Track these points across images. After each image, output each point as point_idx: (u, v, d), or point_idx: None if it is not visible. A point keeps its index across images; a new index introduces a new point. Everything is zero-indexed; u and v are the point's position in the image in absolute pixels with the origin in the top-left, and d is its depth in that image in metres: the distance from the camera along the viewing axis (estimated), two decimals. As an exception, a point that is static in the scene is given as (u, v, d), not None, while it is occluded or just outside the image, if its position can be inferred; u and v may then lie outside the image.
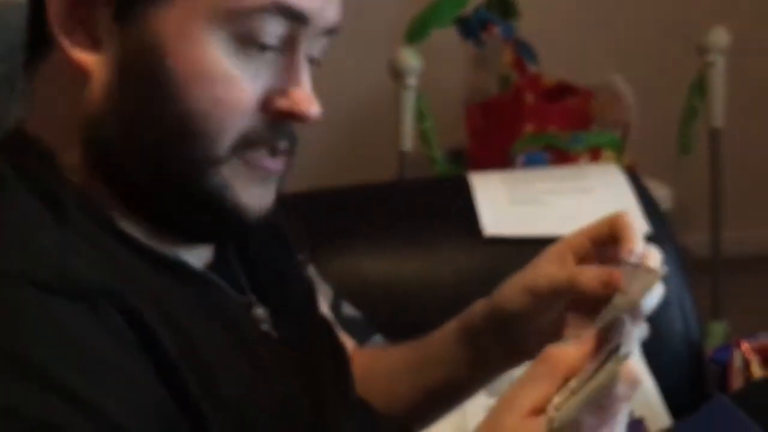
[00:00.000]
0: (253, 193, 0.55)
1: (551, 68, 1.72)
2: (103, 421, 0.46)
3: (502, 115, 1.69)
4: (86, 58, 0.53)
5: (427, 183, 1.34)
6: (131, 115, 0.53)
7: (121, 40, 0.53)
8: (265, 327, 0.59)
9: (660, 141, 1.66)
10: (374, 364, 0.72)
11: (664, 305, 1.25)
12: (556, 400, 0.46)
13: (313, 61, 0.57)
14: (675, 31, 1.74)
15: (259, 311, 0.59)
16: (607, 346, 0.48)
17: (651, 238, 1.11)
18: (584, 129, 1.66)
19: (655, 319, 1.22)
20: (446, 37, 1.67)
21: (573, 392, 0.46)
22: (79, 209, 0.53)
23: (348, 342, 0.74)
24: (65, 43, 0.53)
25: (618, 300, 0.53)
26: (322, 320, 0.68)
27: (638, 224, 0.57)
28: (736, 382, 1.08)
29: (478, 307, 0.65)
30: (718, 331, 1.57)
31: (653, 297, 0.54)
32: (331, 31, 0.56)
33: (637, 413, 1.03)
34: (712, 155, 1.63)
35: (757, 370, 1.08)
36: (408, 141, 1.57)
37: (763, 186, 1.85)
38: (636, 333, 0.52)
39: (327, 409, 0.59)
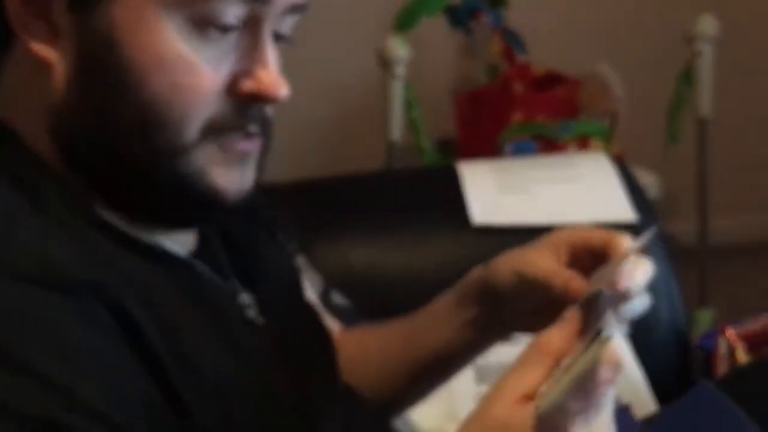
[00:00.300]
0: (230, 176, 0.55)
1: (540, 57, 1.72)
2: (87, 411, 0.46)
3: (491, 105, 1.70)
4: (46, 50, 0.53)
5: (416, 172, 1.34)
6: (94, 105, 0.53)
7: (78, 30, 0.53)
8: (251, 313, 0.59)
9: (648, 130, 1.67)
10: (365, 341, 0.72)
11: (651, 292, 1.26)
12: (544, 387, 0.47)
13: (282, 39, 0.56)
14: (663, 21, 1.75)
15: (245, 297, 0.59)
16: (593, 326, 0.48)
17: (637, 226, 1.12)
18: (572, 118, 1.67)
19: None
20: (435, 26, 1.67)
21: (558, 379, 0.47)
22: (58, 198, 0.52)
23: (334, 326, 0.74)
24: (24, 36, 0.53)
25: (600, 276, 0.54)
26: (309, 307, 0.68)
27: (627, 246, 0.58)
28: (722, 368, 1.09)
29: (475, 274, 0.66)
30: (705, 318, 1.59)
31: (637, 304, 0.54)
32: (296, 8, 0.55)
33: (624, 399, 1.04)
34: (700, 144, 1.64)
35: (742, 356, 1.09)
36: (396, 131, 1.57)
37: (750, 175, 1.86)
38: (625, 312, 0.52)
39: (312, 394, 0.59)
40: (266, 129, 0.56)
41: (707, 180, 1.65)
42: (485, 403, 0.49)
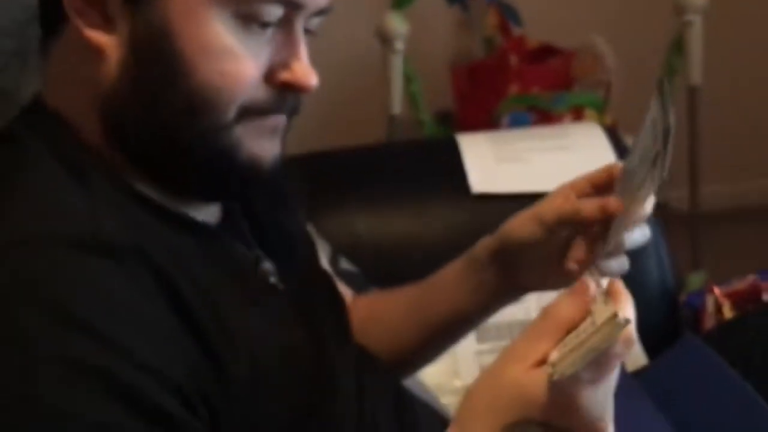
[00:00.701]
0: (264, 146, 0.60)
1: (534, 30, 1.76)
2: (138, 364, 0.51)
3: (488, 77, 1.73)
4: (100, 37, 0.57)
5: (416, 144, 1.38)
6: (146, 91, 0.57)
7: (133, 20, 0.57)
8: (273, 279, 0.64)
9: (640, 99, 1.69)
10: (377, 306, 0.77)
11: (642, 254, 1.32)
12: (555, 354, 0.50)
13: (308, 32, 0.61)
14: (654, -8, 1.78)
15: (267, 265, 0.64)
16: (599, 290, 0.52)
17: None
18: (567, 89, 1.70)
19: (632, 268, 1.29)
20: (432, 1, 1.70)
21: (572, 349, 0.49)
22: (101, 175, 0.57)
23: (346, 292, 0.79)
24: (79, 22, 0.57)
25: (617, 223, 0.58)
26: (324, 273, 0.73)
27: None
28: (709, 324, 1.15)
29: (484, 242, 0.70)
30: (697, 280, 1.63)
31: (638, 234, 0.59)
32: (323, 11, 0.61)
33: (617, 355, 1.09)
34: (691, 112, 1.68)
35: (728, 313, 1.14)
36: (397, 104, 1.61)
37: (740, 142, 1.90)
38: (614, 265, 0.57)
39: (328, 351, 0.64)
40: (295, 112, 0.62)
41: (698, 147, 1.69)
42: (499, 365, 0.52)
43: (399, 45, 1.57)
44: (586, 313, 0.51)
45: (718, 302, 1.15)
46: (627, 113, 1.74)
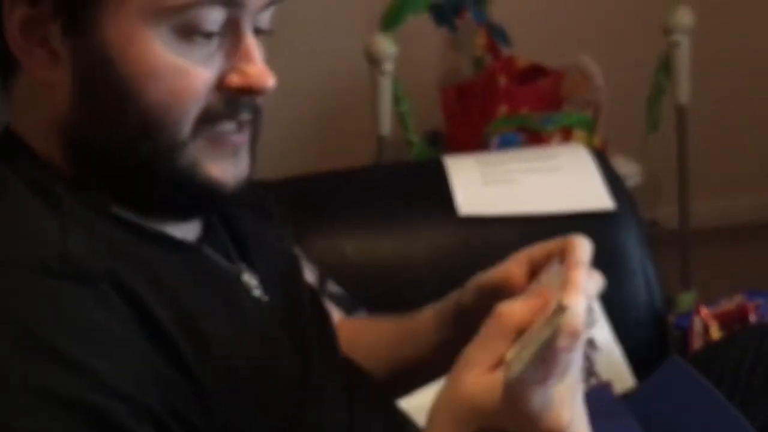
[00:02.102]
0: (224, 167, 0.59)
1: (523, 51, 1.77)
2: (109, 390, 0.51)
3: (477, 98, 1.74)
4: (48, 73, 0.57)
5: (404, 166, 1.39)
6: (99, 118, 0.58)
7: (75, 52, 0.57)
8: (257, 293, 0.64)
9: (629, 119, 1.72)
10: (356, 335, 0.77)
11: (630, 275, 1.31)
12: (508, 355, 0.49)
13: (263, 32, 0.60)
14: (641, 13, 1.79)
15: (250, 278, 0.64)
16: (553, 302, 0.50)
17: (616, 214, 1.18)
18: (556, 109, 1.71)
19: (620, 289, 1.30)
20: (421, 22, 1.72)
21: (523, 346, 0.48)
22: (71, 198, 0.57)
23: (334, 312, 0.79)
24: (27, 63, 0.57)
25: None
26: (309, 288, 0.73)
27: (587, 249, 0.58)
28: (697, 344, 1.15)
29: (451, 298, 0.70)
30: (687, 300, 1.64)
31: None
32: (271, 3, 0.59)
33: (605, 376, 1.09)
34: (679, 131, 1.69)
35: (716, 333, 1.15)
36: (386, 125, 1.61)
37: (728, 160, 1.91)
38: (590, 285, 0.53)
39: (314, 367, 0.64)
40: (256, 117, 0.60)
41: (687, 166, 1.70)
42: (455, 373, 0.52)
43: (388, 66, 1.58)
44: (536, 312, 0.50)
45: (706, 323, 1.16)
46: (616, 132, 1.75)
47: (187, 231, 0.62)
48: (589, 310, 0.49)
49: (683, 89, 1.65)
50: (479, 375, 0.50)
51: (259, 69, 0.58)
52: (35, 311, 0.52)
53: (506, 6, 1.79)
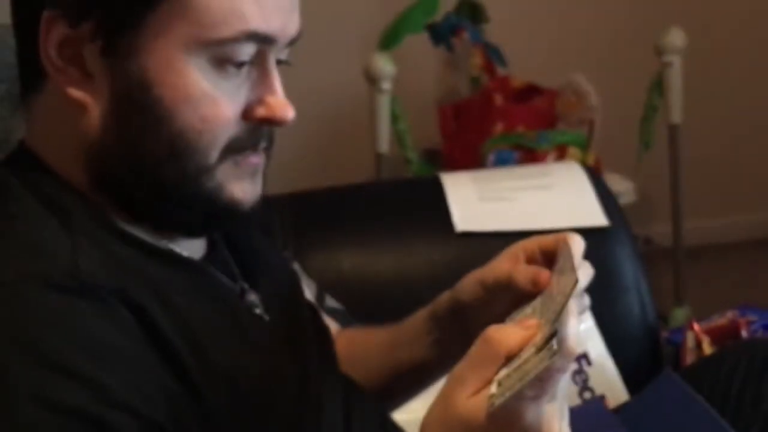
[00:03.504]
0: (244, 188, 0.62)
1: (519, 70, 1.79)
2: (115, 403, 0.52)
3: (473, 116, 1.76)
4: (81, 93, 0.59)
5: (402, 183, 1.40)
6: (130, 140, 0.59)
7: (111, 73, 0.58)
8: (258, 311, 0.65)
9: (622, 137, 1.74)
10: (351, 345, 0.78)
11: (624, 291, 1.33)
12: (497, 378, 0.50)
13: (280, 62, 0.63)
14: (634, 34, 1.82)
15: (252, 297, 0.65)
16: (542, 332, 0.51)
17: (609, 231, 1.19)
18: (551, 127, 1.73)
19: (614, 305, 1.31)
20: (418, 42, 1.74)
21: (511, 373, 0.49)
22: (83, 215, 0.58)
23: (332, 325, 0.80)
24: (60, 80, 0.58)
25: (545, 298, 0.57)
26: (308, 305, 0.74)
27: (580, 245, 0.60)
28: (689, 360, 1.16)
29: (444, 297, 0.70)
30: (680, 315, 1.66)
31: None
32: (293, 41, 0.63)
33: (598, 391, 1.11)
34: (672, 150, 1.72)
35: (708, 349, 1.16)
36: (384, 143, 1.63)
37: (720, 178, 1.94)
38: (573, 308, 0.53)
39: (313, 383, 0.65)
40: (271, 143, 0.64)
41: (680, 184, 1.72)
42: (445, 394, 0.52)
43: (386, 85, 1.60)
44: (528, 341, 0.51)
45: (698, 339, 1.17)
46: (609, 150, 1.77)
47: (193, 249, 0.64)
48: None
49: (675, 109, 1.68)
50: (470, 395, 0.51)
51: (281, 101, 0.61)
52: (44, 326, 0.53)
53: (502, 27, 1.82)
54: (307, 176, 1.54)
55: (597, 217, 1.18)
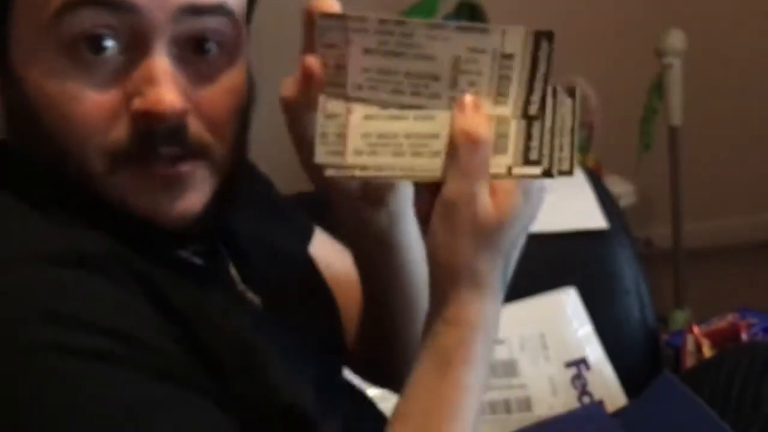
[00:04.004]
0: (157, 202, 0.53)
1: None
2: (135, 341, 0.49)
3: (473, 118, 1.75)
4: None
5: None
6: (24, 144, 0.55)
7: (1, 72, 0.55)
8: (258, 309, 0.61)
9: (622, 139, 1.74)
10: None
11: (623, 293, 1.33)
12: (505, 163, 0.50)
13: (207, 46, 0.53)
14: (634, 36, 1.82)
15: (253, 298, 0.61)
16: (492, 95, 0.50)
17: (609, 233, 1.19)
18: (550, 130, 1.73)
19: (614, 308, 1.31)
20: (418, 44, 1.73)
21: (536, 140, 0.51)
22: (59, 208, 0.53)
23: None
24: None
25: None
26: (318, 293, 0.68)
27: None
28: (689, 363, 1.16)
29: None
30: (680, 318, 1.65)
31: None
32: (197, 10, 0.52)
33: (597, 395, 1.11)
34: (672, 152, 1.71)
35: (707, 352, 1.16)
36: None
37: (720, 180, 1.93)
38: None
39: (316, 386, 0.61)
40: (193, 150, 0.54)
41: (680, 186, 1.72)
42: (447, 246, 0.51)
43: (385, 87, 1.59)
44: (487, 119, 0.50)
45: (698, 341, 1.17)
46: (609, 153, 1.77)
47: (189, 251, 0.60)
48: None
49: (675, 111, 1.68)
50: (486, 205, 0.51)
51: (157, 93, 0.51)
52: (60, 295, 0.49)
53: (502, 28, 1.81)
54: (303, 177, 1.53)
55: (597, 220, 1.18)
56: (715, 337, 1.17)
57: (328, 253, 0.74)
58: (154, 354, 0.50)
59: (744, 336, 1.19)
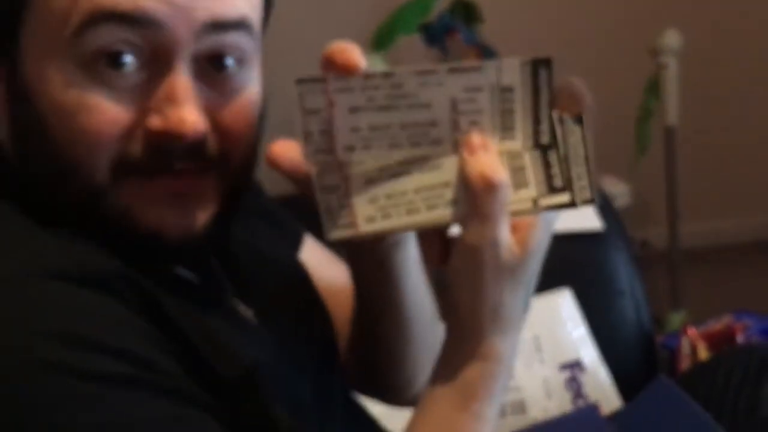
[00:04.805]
0: (164, 216, 0.53)
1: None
2: (148, 366, 0.49)
3: (468, 118, 1.75)
4: None
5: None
6: (26, 153, 0.54)
7: (7, 80, 0.54)
8: (252, 324, 0.60)
9: (618, 140, 1.73)
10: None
11: (619, 295, 1.32)
12: (522, 197, 0.49)
13: (225, 67, 0.52)
14: (630, 35, 1.81)
15: (245, 311, 0.61)
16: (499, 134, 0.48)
17: (604, 234, 1.18)
18: (546, 130, 1.72)
19: (609, 310, 1.30)
20: (412, 43, 1.73)
21: (551, 167, 0.49)
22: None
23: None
24: None
25: None
26: (310, 304, 0.67)
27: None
28: (685, 365, 1.16)
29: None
30: (677, 319, 1.65)
31: None
32: (220, 27, 0.52)
33: (592, 398, 1.10)
34: (668, 152, 1.71)
35: (703, 354, 1.15)
36: (377, 145, 1.62)
37: (716, 180, 1.93)
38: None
39: (311, 398, 0.61)
40: (204, 164, 0.53)
41: (676, 187, 1.72)
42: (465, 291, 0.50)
43: (379, 86, 1.58)
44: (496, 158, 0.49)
45: (693, 343, 1.16)
46: (605, 153, 1.76)
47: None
48: None
49: (671, 111, 1.67)
50: (505, 245, 0.49)
51: (179, 113, 0.51)
52: (68, 313, 0.48)
53: (496, 27, 1.81)
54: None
55: (592, 221, 1.17)
56: (710, 339, 1.17)
57: (318, 260, 0.74)
58: (162, 375, 0.49)
59: (740, 338, 1.18)
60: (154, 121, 0.52)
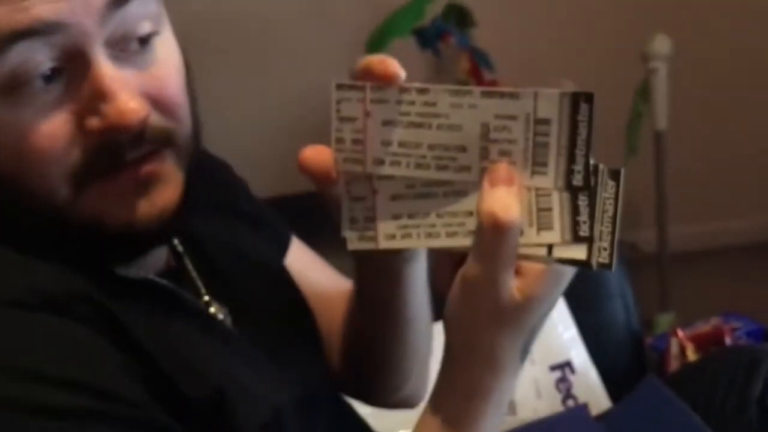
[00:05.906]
0: (134, 207, 0.51)
1: (506, 75, 1.79)
2: (107, 396, 0.48)
3: (460, 121, 1.75)
4: None
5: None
6: None
7: None
8: (226, 324, 0.60)
9: (608, 143, 1.74)
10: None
11: (608, 298, 1.34)
12: (535, 252, 0.46)
13: (140, 33, 0.50)
14: (620, 40, 1.82)
15: (218, 311, 0.60)
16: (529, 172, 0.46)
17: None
18: (537, 133, 1.73)
19: (598, 311, 1.32)
20: (405, 46, 1.74)
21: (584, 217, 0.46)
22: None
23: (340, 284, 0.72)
24: None
25: None
26: (293, 301, 0.67)
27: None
28: (674, 366, 1.17)
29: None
30: (665, 321, 1.66)
31: None
32: (119, 1, 0.49)
33: (581, 399, 1.11)
34: (657, 156, 1.72)
35: (692, 355, 1.16)
36: (370, 147, 1.62)
37: (706, 184, 1.94)
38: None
39: (294, 398, 0.60)
40: (154, 147, 0.51)
41: (665, 190, 1.73)
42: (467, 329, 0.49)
43: (372, 89, 1.59)
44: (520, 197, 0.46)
45: (682, 345, 1.17)
46: (595, 156, 1.77)
47: (147, 267, 0.57)
48: None
49: (661, 115, 1.69)
50: (509, 291, 0.47)
51: (117, 106, 0.49)
52: (19, 342, 0.48)
53: (489, 31, 1.82)
54: (290, 180, 1.53)
55: (582, 223, 1.18)
56: (699, 341, 1.18)
57: (305, 263, 0.73)
58: (120, 403, 0.49)
59: (728, 340, 1.19)
60: (93, 122, 0.50)
